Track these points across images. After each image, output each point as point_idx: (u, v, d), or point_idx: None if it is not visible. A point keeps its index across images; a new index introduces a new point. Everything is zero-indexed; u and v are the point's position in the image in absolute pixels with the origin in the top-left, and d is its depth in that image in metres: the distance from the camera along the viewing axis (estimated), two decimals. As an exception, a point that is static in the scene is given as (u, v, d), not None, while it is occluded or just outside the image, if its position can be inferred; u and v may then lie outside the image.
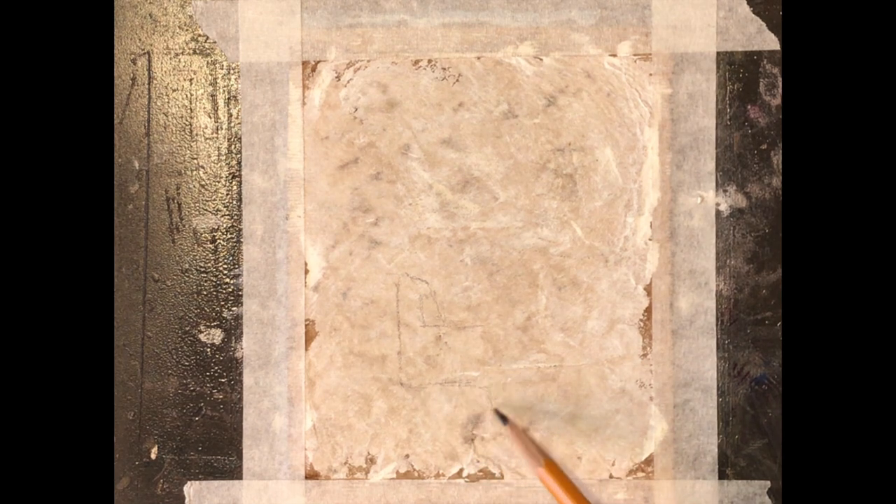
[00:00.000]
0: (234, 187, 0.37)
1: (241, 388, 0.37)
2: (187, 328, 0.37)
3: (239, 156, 0.37)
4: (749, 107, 0.36)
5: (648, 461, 0.36)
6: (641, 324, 0.36)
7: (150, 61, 0.38)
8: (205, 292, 0.37)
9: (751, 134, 0.36)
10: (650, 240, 0.36)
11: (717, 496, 0.36)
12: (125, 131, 0.38)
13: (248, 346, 0.37)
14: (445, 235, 0.37)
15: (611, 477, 0.36)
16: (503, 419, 0.35)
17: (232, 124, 0.37)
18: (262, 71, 0.37)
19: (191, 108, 0.38)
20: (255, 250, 0.37)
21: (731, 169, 0.36)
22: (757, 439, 0.36)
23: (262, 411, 0.37)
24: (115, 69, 0.37)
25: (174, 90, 0.38)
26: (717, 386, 0.36)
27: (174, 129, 0.38)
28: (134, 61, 0.38)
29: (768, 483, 0.36)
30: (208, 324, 0.37)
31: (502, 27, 0.37)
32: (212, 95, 0.37)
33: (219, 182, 0.37)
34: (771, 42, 0.36)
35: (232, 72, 0.37)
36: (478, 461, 0.37)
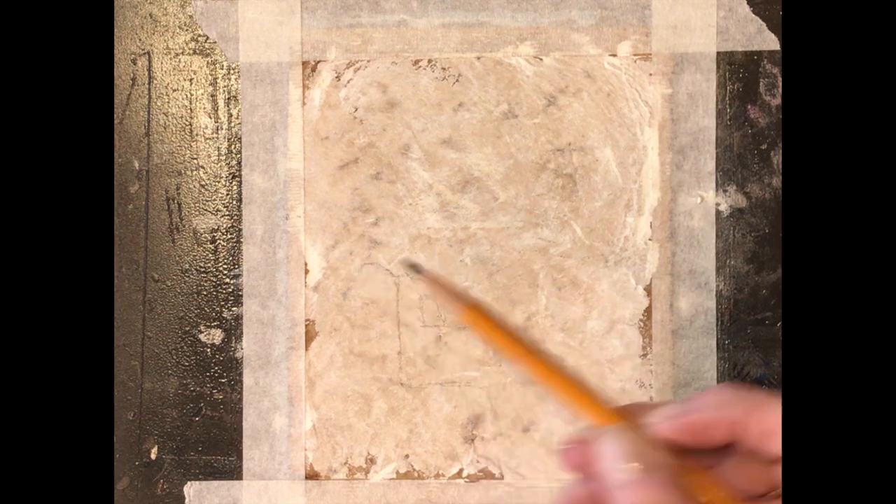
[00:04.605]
0: (234, 187, 0.37)
1: (241, 388, 0.37)
2: (187, 328, 0.37)
3: (239, 156, 0.37)
4: (749, 107, 0.36)
5: (648, 461, 0.36)
6: (641, 324, 0.36)
7: (150, 61, 0.38)
8: (205, 292, 0.37)
9: (751, 134, 0.36)
10: (650, 240, 0.36)
11: None
12: (125, 131, 0.38)
13: (248, 346, 0.37)
14: (445, 235, 0.37)
15: (611, 477, 0.36)
16: (416, 270, 0.33)
17: (232, 124, 0.37)
18: (262, 71, 0.37)
19: (191, 108, 0.38)
20: (255, 250, 0.37)
21: (731, 169, 0.36)
22: (757, 439, 0.36)
23: (262, 411, 0.37)
24: (115, 69, 0.37)
25: (174, 90, 0.38)
26: (717, 386, 0.36)
27: (174, 129, 0.38)
28: (134, 61, 0.38)
29: (768, 483, 0.36)
30: (208, 324, 0.37)
31: (502, 27, 0.37)
32: (212, 95, 0.37)
33: (219, 182, 0.37)
34: (771, 42, 0.36)
35: (232, 72, 0.37)
36: (478, 461, 0.37)
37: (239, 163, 0.37)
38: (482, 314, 0.32)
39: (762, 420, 0.29)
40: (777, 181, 0.36)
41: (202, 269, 0.37)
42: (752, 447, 0.30)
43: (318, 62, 0.37)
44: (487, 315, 0.32)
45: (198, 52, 0.38)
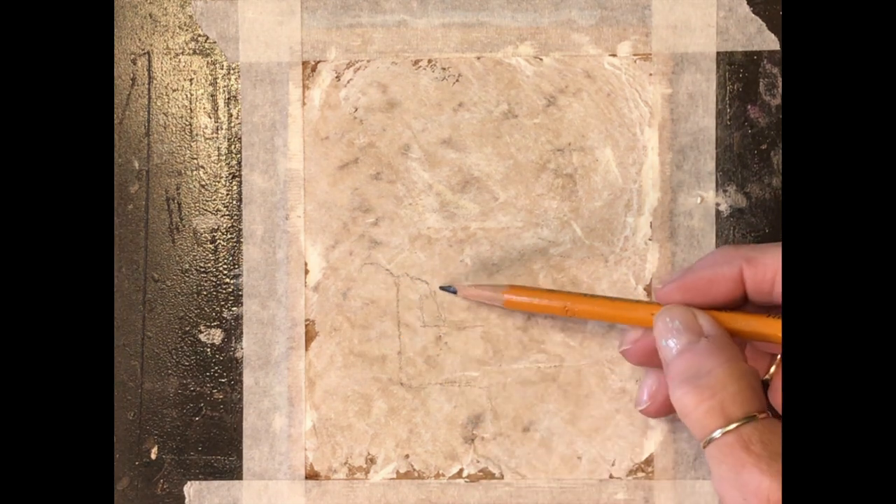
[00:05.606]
0: (234, 187, 0.37)
1: (241, 388, 0.37)
2: (187, 328, 0.37)
3: (239, 156, 0.37)
4: (749, 107, 0.36)
5: (648, 461, 0.36)
6: (641, 324, 0.36)
7: (150, 61, 0.38)
8: (205, 292, 0.37)
9: (751, 134, 0.36)
10: (650, 240, 0.36)
11: (717, 496, 0.36)
12: (125, 131, 0.38)
13: (248, 346, 0.37)
14: (445, 235, 0.37)
15: (611, 477, 0.36)
16: (450, 290, 0.36)
17: (232, 124, 0.37)
18: (262, 71, 0.37)
19: (191, 108, 0.38)
20: (255, 250, 0.37)
21: (731, 169, 0.36)
22: (757, 439, 0.36)
23: (262, 411, 0.37)
24: (115, 69, 0.38)
25: (174, 90, 0.38)
26: (717, 386, 0.36)
27: (174, 129, 0.38)
28: (134, 61, 0.38)
29: (768, 483, 0.36)
30: (208, 324, 0.37)
31: (502, 27, 0.37)
32: (212, 95, 0.37)
33: (219, 182, 0.37)
34: (771, 42, 0.36)
35: (232, 72, 0.37)
36: (478, 461, 0.37)
37: (239, 163, 0.37)
38: (519, 292, 0.34)
39: (754, 272, 0.31)
40: (777, 181, 0.36)
41: (202, 269, 0.37)
42: (751, 299, 0.31)
43: (318, 62, 0.37)
44: (524, 290, 0.34)
45: (198, 52, 0.38)
